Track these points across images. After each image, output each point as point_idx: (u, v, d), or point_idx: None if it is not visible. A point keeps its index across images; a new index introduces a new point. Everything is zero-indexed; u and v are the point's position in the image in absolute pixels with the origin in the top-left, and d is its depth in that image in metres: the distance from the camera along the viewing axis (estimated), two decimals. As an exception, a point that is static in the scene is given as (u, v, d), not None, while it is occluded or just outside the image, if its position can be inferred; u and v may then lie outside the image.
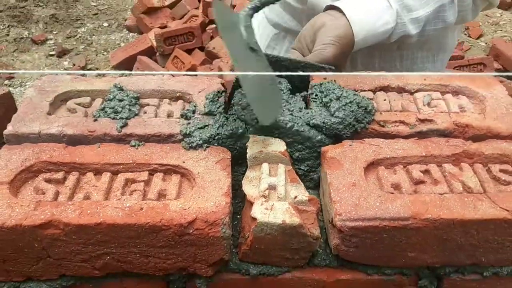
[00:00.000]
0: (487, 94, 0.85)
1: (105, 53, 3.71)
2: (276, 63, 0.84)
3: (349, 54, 0.92)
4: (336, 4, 0.90)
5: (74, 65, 3.54)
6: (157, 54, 3.34)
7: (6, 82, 3.40)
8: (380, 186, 0.70)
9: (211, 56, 3.19)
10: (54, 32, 3.91)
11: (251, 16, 0.86)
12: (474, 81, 0.89)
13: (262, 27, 1.22)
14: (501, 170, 0.71)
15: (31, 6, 4.16)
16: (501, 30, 3.86)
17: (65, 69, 3.53)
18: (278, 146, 0.73)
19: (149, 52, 3.37)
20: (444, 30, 0.99)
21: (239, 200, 0.75)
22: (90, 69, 3.55)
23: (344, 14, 0.89)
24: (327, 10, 0.93)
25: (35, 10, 4.13)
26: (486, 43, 3.65)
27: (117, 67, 3.52)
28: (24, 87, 3.41)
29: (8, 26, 3.92)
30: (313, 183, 0.79)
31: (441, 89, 0.88)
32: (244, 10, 0.86)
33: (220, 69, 3.00)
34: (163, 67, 3.27)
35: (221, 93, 0.84)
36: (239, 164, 0.77)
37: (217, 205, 0.65)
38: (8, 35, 3.84)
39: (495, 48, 3.31)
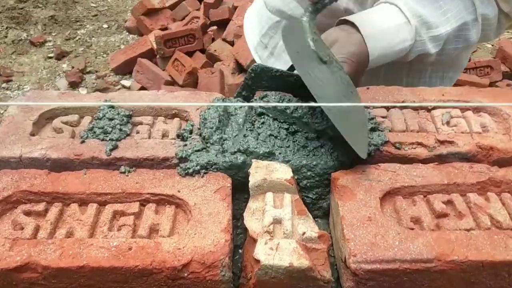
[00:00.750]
0: (511, 111, 0.78)
1: (104, 55, 3.64)
2: (279, 78, 0.77)
3: (363, 73, 0.84)
4: (349, 18, 0.83)
5: (73, 67, 3.47)
6: (158, 56, 3.28)
7: (4, 85, 3.33)
8: (399, 220, 0.62)
9: (213, 59, 3.12)
10: (53, 34, 3.84)
11: (314, 19, 0.78)
12: (496, 96, 0.81)
13: (260, 13, 1.14)
14: (532, 201, 0.64)
15: (30, 7, 4.09)
16: (507, 32, 3.77)
17: (63, 72, 3.47)
18: (283, 173, 0.66)
19: (149, 55, 3.31)
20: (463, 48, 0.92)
21: (240, 232, 0.68)
22: (89, 72, 3.48)
23: (358, 29, 0.81)
24: (340, 25, 0.85)
25: (34, 11, 4.06)
26: (492, 45, 3.57)
27: (117, 69, 3.46)
28: (22, 90, 3.35)
29: (7, 27, 3.85)
30: (322, 212, 0.72)
31: (460, 105, 0.81)
32: (304, 14, 0.78)
33: (221, 73, 2.93)
34: (164, 69, 3.21)
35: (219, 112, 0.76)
36: (240, 191, 0.69)
37: (215, 244, 0.58)
38: (6, 36, 3.77)
39: (502, 51, 3.22)
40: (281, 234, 0.60)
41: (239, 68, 2.93)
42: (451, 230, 0.60)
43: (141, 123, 0.77)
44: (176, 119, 0.79)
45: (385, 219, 0.61)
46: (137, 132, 0.75)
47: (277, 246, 0.57)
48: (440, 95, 0.82)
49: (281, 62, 1.08)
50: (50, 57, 3.62)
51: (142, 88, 3.30)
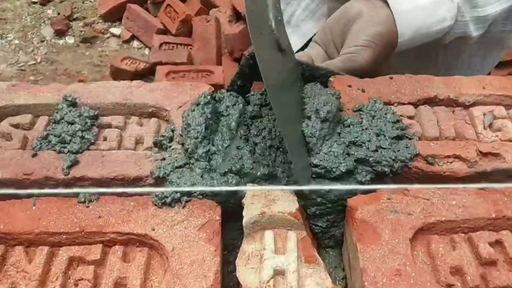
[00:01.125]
0: None
1: (92, 0, 3.38)
2: None
3: (388, 58, 0.68)
4: None
5: (58, 14, 3.23)
6: (149, 2, 3.05)
7: (-16, 33, 3.11)
8: (434, 271, 0.49)
9: (208, 5, 2.90)
10: (37, -24, 3.55)
11: None
12: (552, 91, 0.65)
13: None
14: None
15: None
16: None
17: (49, 18, 3.23)
18: (287, 204, 0.52)
19: (140, 0, 3.08)
20: None
21: (231, 269, 0.55)
22: (76, 19, 3.24)
23: (387, 3, 0.64)
24: None
25: (14, -50, 3.75)
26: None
27: (106, 16, 3.23)
28: (4, 39, 3.13)
29: (-15, -32, 3.56)
30: (334, 241, 0.58)
31: (504, 101, 0.65)
32: None
33: (217, 21, 2.71)
34: (156, 16, 2.99)
35: (206, 110, 0.60)
36: (232, 218, 0.55)
37: (198, 309, 0.44)
38: (-14, -21, 3.49)
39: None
40: (284, 291, 0.47)
41: (237, 15, 2.73)
42: (501, 287, 0.47)
43: (109, 126, 0.62)
44: (154, 120, 0.63)
45: (418, 272, 0.47)
46: (104, 139, 0.60)
47: (278, 315, 0.44)
48: (481, 88, 0.66)
49: (298, 34, 0.91)
50: (34, 2, 3.37)
51: (133, 37, 3.10)
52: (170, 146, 0.59)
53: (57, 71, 2.94)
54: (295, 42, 0.88)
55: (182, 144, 0.58)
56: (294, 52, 0.66)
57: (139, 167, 0.56)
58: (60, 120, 0.60)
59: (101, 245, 0.50)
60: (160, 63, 2.63)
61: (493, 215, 0.52)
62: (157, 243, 0.50)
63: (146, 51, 3.03)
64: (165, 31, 2.97)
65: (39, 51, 3.04)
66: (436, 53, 0.82)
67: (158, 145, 0.59)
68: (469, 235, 0.51)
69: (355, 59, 0.66)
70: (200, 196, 0.54)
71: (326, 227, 0.57)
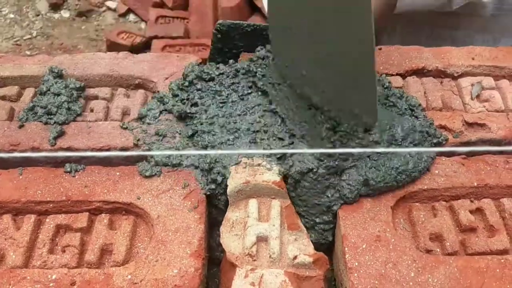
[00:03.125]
0: (559, 83, 0.62)
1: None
2: (254, 34, 0.62)
3: (387, 19, 0.67)
4: None
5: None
6: (144, -25, 2.98)
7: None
8: (415, 237, 0.50)
9: (204, -21, 2.85)
10: None
11: None
12: (541, 61, 0.65)
13: None
14: None
15: None
16: None
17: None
18: (271, 173, 0.52)
19: (135, -27, 3.01)
20: None
21: (219, 242, 0.55)
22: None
23: None
24: None
25: None
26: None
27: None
28: (-1, 14, 3.09)
29: None
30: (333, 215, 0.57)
31: (494, 72, 0.65)
32: None
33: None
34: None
35: (191, 81, 0.60)
36: (220, 191, 0.56)
37: (182, 274, 0.46)
38: (-23, -48, 3.42)
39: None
40: (266, 257, 0.48)
41: (234, -12, 2.67)
42: (480, 252, 0.48)
43: (96, 97, 0.62)
44: (140, 91, 0.63)
45: (398, 238, 0.48)
46: (91, 110, 0.61)
47: (260, 280, 0.45)
48: (470, 59, 0.65)
49: None
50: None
51: (129, 11, 3.06)
52: (156, 118, 0.59)
53: (53, 45, 2.91)
54: None
55: (170, 112, 0.58)
56: None
57: (125, 138, 0.57)
58: (46, 91, 0.60)
59: (87, 213, 0.50)
60: (157, 37, 2.60)
61: (475, 184, 0.53)
62: (142, 211, 0.51)
63: (143, 25, 3.00)
64: (161, 5, 2.93)
65: (35, 25, 3.01)
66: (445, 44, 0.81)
67: (143, 118, 0.59)
68: (451, 203, 0.52)
69: None
70: (186, 167, 0.54)
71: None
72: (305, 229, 0.51)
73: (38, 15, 3.09)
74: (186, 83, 0.59)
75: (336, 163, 0.51)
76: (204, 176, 0.53)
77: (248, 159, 0.53)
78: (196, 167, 0.54)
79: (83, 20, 3.07)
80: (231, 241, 0.49)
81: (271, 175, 0.52)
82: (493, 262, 0.46)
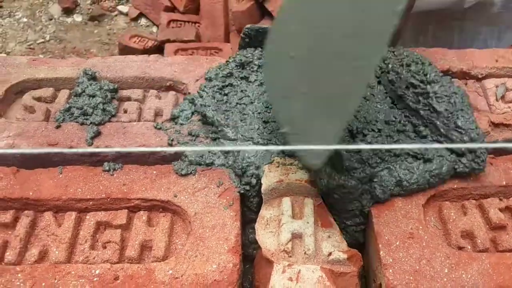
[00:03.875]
0: None
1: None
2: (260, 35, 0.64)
3: (408, 14, 0.69)
4: None
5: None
6: (156, -20, 3.01)
7: (-7, 12, 3.11)
8: (446, 235, 0.51)
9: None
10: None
11: None
12: None
13: None
14: None
15: None
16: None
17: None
18: (304, 172, 0.54)
19: (147, -22, 3.05)
20: None
21: (252, 240, 0.56)
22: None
23: None
24: None
25: None
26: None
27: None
28: (13, 17, 3.13)
29: None
30: (364, 217, 0.58)
31: (518, 73, 0.66)
32: None
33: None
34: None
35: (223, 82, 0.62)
36: (254, 194, 0.57)
37: (221, 269, 0.47)
38: (-9, -43, 3.47)
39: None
40: (301, 254, 0.49)
41: (245, -8, 2.69)
42: (510, 249, 0.49)
43: (129, 99, 0.64)
44: (172, 93, 0.65)
45: (430, 235, 0.49)
46: (125, 112, 0.62)
47: (297, 275, 0.46)
48: (494, 61, 0.67)
49: None
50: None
51: (141, 15, 3.09)
52: (188, 119, 0.60)
53: (66, 49, 2.94)
54: None
55: (203, 116, 0.60)
56: None
57: (159, 138, 0.58)
58: (82, 93, 0.62)
59: (126, 210, 0.52)
60: (168, 41, 2.63)
61: (504, 183, 0.54)
62: (179, 209, 0.52)
63: (154, 29, 3.02)
64: (172, 9, 2.95)
65: (48, 29, 3.04)
66: (451, 34, 0.82)
67: (176, 119, 0.61)
68: (480, 202, 0.53)
69: None
70: (219, 166, 0.56)
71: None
72: (337, 226, 0.52)
73: (51, 19, 3.12)
74: (215, 86, 0.61)
75: (367, 172, 0.52)
76: (237, 175, 0.55)
77: (280, 158, 0.55)
78: (228, 166, 0.55)
79: (95, 24, 3.10)
80: (266, 238, 0.50)
81: (303, 174, 0.53)
82: (524, 259, 0.47)
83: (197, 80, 0.64)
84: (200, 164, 0.56)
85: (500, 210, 0.52)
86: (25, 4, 3.31)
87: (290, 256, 0.49)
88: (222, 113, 0.58)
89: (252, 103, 0.60)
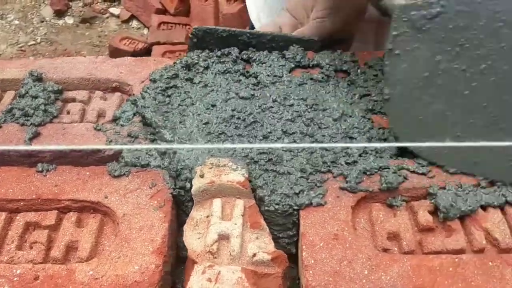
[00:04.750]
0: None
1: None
2: (228, 39, 0.64)
3: (360, 21, 0.69)
4: None
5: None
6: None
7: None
8: (373, 237, 0.51)
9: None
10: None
11: None
12: None
13: None
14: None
15: None
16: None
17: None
18: (236, 174, 0.54)
19: (138, -20, 3.06)
20: None
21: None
22: (75, -1, 3.24)
23: None
24: None
25: None
26: None
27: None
28: (5, 20, 3.15)
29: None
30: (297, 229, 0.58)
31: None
32: None
33: (216, 0, 2.70)
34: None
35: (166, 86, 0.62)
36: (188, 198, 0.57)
37: (143, 271, 0.47)
38: (-15, -40, 3.49)
39: None
40: (227, 255, 0.49)
41: (235, -6, 2.69)
42: (435, 252, 0.49)
43: (73, 100, 0.64)
44: (117, 94, 0.65)
45: (356, 237, 0.49)
46: (67, 113, 0.63)
47: (217, 276, 0.46)
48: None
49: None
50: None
51: (132, 17, 3.10)
52: (129, 120, 0.61)
53: (56, 51, 2.96)
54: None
55: (143, 117, 0.60)
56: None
57: (98, 139, 0.59)
58: (25, 94, 0.62)
59: (56, 211, 0.52)
60: (158, 43, 2.64)
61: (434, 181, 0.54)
62: (109, 210, 0.52)
63: (145, 31, 3.04)
64: (163, 11, 2.97)
65: (39, 31, 3.06)
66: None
67: (117, 120, 0.61)
68: (411, 204, 0.53)
69: (325, 24, 0.68)
70: (156, 168, 0.56)
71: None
72: (267, 228, 0.52)
73: (42, 22, 3.15)
74: (158, 87, 0.61)
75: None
76: (172, 176, 0.55)
77: (215, 159, 0.55)
78: (164, 168, 0.55)
79: (87, 26, 3.12)
80: (194, 239, 0.50)
81: (236, 175, 0.53)
82: (447, 261, 0.47)
83: (142, 81, 0.65)
84: (135, 165, 0.56)
85: (430, 212, 0.52)
86: (17, 7, 3.32)
87: (216, 257, 0.49)
88: (161, 115, 0.59)
89: (193, 104, 0.61)
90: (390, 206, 0.53)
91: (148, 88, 0.61)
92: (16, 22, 3.09)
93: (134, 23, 3.12)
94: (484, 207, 0.52)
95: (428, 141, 0.50)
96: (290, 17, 0.75)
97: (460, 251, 0.49)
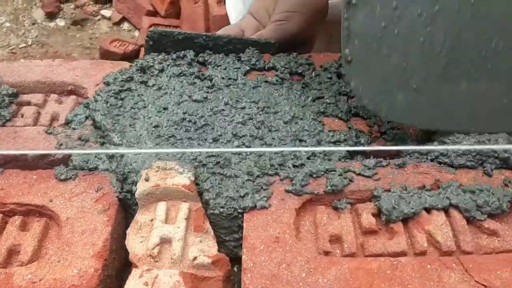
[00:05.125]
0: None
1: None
2: (184, 42, 0.64)
3: (322, 23, 0.69)
4: None
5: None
6: (138, -16, 3.03)
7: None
8: (316, 239, 0.51)
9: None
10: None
11: None
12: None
13: None
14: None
15: None
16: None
17: (40, 1, 3.24)
18: (182, 177, 0.54)
19: (129, -18, 3.06)
20: None
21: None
22: (67, 1, 3.25)
23: None
24: None
25: None
26: None
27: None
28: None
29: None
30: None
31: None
32: None
33: (206, 2, 2.71)
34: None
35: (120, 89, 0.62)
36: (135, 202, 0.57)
37: (81, 274, 0.47)
38: (-24, -38, 3.49)
39: None
40: (168, 258, 0.49)
41: (225, -3, 2.69)
42: (376, 255, 0.49)
43: (29, 103, 0.64)
44: (72, 97, 0.65)
45: (297, 240, 0.49)
46: (22, 116, 0.63)
47: (154, 280, 0.46)
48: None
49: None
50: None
51: (124, 19, 3.10)
52: (82, 123, 0.61)
53: (47, 53, 2.96)
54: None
55: (94, 120, 0.60)
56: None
57: (49, 142, 0.59)
58: (-21, 98, 0.62)
59: (1, 215, 0.52)
60: (149, 46, 2.64)
61: (381, 183, 0.54)
62: (54, 214, 0.52)
63: (136, 33, 3.04)
64: (154, 13, 2.97)
65: (30, 33, 3.07)
66: None
67: (70, 123, 0.61)
68: (356, 207, 0.53)
69: (284, 27, 0.68)
70: (103, 171, 0.56)
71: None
72: (212, 231, 0.52)
73: (34, 24, 3.15)
74: (111, 91, 0.61)
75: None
76: (119, 180, 0.55)
77: (161, 163, 0.55)
78: (112, 171, 0.55)
79: (78, 28, 3.13)
80: (136, 243, 0.50)
81: (181, 179, 0.53)
82: (385, 264, 0.47)
83: (97, 84, 0.65)
84: (83, 169, 0.56)
85: (374, 215, 0.52)
86: (9, 9, 3.32)
87: (157, 261, 0.49)
88: (111, 118, 0.59)
89: (145, 107, 0.61)
90: (336, 208, 0.53)
91: (101, 91, 0.61)
92: (8, 24, 3.10)
93: (126, 25, 3.13)
94: (428, 210, 0.52)
95: (389, 98, 0.50)
96: (253, 20, 0.75)
97: (401, 254, 0.49)
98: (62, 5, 3.23)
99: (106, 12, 3.19)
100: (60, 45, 3.02)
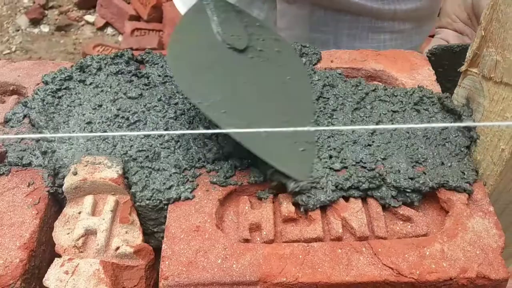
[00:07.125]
0: (407, 81, 0.65)
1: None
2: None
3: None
4: None
5: (34, 2, 3.26)
6: (121, -12, 3.06)
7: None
8: (237, 228, 0.52)
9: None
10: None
11: None
12: (395, 62, 0.68)
13: None
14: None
15: None
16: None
17: (24, 8, 3.26)
18: (110, 171, 0.55)
19: (113, -14, 3.09)
20: None
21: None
22: (51, 7, 3.27)
23: None
24: None
25: None
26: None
27: (80, 4, 3.27)
28: (-20, 29, 3.16)
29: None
30: None
31: (351, 73, 0.68)
32: None
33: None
34: (129, 3, 3.00)
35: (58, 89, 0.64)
36: None
37: (7, 265, 0.49)
38: (-40, -30, 3.51)
39: None
40: (93, 249, 0.51)
41: (205, 0, 2.71)
42: (292, 241, 0.51)
43: (-29, 104, 0.66)
44: (14, 97, 0.67)
45: (217, 229, 0.51)
46: (-38, 116, 0.64)
47: (74, 269, 0.48)
48: (329, 62, 0.69)
49: None
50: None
51: (107, 24, 3.13)
52: (21, 122, 0.62)
53: (31, 59, 2.98)
54: None
55: (29, 118, 0.62)
56: None
57: (-14, 141, 0.60)
58: None
59: None
60: (131, 49, 2.65)
61: (303, 176, 0.55)
62: (-15, 209, 0.54)
63: (120, 38, 3.07)
64: (137, 17, 2.99)
65: (14, 40, 3.09)
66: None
67: (9, 122, 0.63)
68: (279, 196, 0.55)
69: None
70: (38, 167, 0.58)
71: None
72: (138, 223, 0.54)
73: (18, 30, 3.17)
74: (49, 89, 0.63)
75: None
76: (51, 175, 0.57)
77: (91, 157, 0.57)
78: (44, 167, 0.57)
79: (62, 34, 3.15)
80: (63, 235, 0.52)
81: (109, 172, 0.55)
82: (298, 249, 0.49)
83: (37, 84, 0.67)
84: (17, 165, 0.58)
85: (294, 204, 0.54)
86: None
87: (82, 252, 0.51)
88: (46, 115, 0.61)
89: (80, 105, 0.62)
90: (259, 198, 0.55)
91: (39, 90, 0.63)
92: (-8, 31, 3.12)
93: (109, 30, 3.15)
94: (346, 198, 0.54)
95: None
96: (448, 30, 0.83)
97: (317, 239, 0.51)
98: (46, 11, 3.25)
99: (90, 18, 3.21)
100: (44, 51, 3.04)
